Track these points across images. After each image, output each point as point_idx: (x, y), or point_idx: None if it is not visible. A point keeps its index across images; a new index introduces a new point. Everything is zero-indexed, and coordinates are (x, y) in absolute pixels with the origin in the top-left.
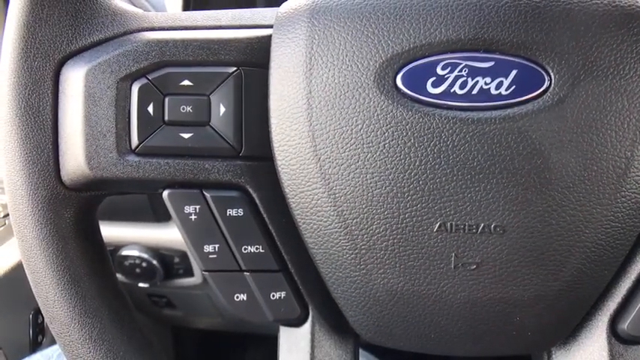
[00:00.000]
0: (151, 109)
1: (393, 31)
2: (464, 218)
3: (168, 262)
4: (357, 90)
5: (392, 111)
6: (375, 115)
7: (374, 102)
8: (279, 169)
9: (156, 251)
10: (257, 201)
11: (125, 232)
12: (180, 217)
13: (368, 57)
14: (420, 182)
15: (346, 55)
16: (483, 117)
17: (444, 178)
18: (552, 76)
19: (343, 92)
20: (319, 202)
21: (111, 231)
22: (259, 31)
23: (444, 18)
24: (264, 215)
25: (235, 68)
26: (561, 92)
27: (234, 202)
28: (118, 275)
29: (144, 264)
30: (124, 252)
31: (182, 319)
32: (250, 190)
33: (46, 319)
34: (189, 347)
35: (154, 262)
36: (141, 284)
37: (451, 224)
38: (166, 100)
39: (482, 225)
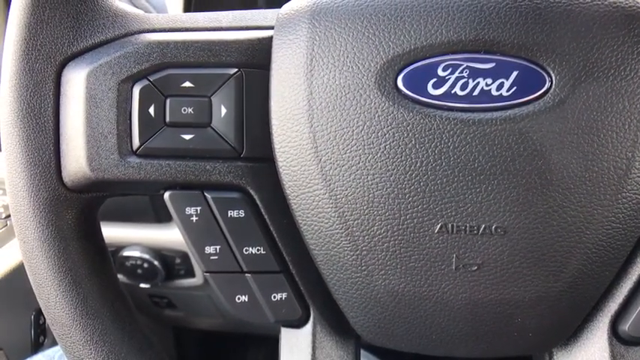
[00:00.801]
0: (152, 110)
1: (393, 32)
2: (465, 219)
3: (170, 263)
4: (358, 91)
5: (393, 112)
6: (376, 116)
7: (375, 103)
8: (280, 170)
9: (157, 252)
10: (258, 202)
11: (126, 233)
12: (181, 219)
13: (369, 58)
14: (421, 183)
15: (347, 57)
16: (484, 118)
17: (445, 180)
18: (553, 77)
19: (344, 93)
20: (320, 203)
21: (112, 232)
22: (260, 32)
23: (444, 19)
24: (265, 216)
25: (236, 69)
26: (562, 93)
27: (235, 204)
28: (119, 276)
29: (145, 265)
30: (126, 253)
31: (183, 320)
32: (251, 191)
33: (47, 321)
34: (191, 348)
35: (156, 262)
36: (142, 285)
37: (452, 225)
38: (167, 101)
39: (483, 226)
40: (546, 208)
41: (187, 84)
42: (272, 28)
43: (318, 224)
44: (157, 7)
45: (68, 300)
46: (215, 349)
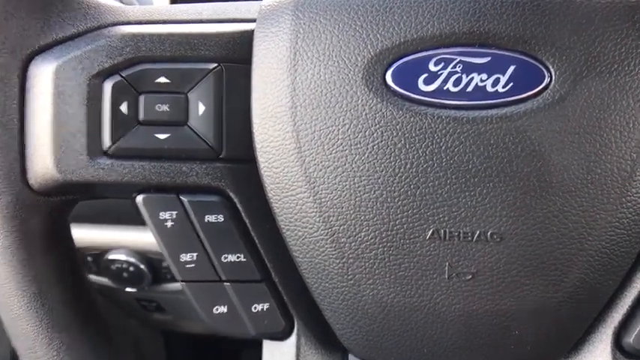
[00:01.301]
0: (124, 108)
1: (382, 24)
2: (458, 225)
3: (157, 267)
4: (344, 87)
5: (381, 110)
6: (364, 114)
7: (362, 100)
8: (262, 171)
9: (143, 255)
10: (238, 206)
11: (112, 235)
12: (154, 224)
13: (356, 52)
14: (412, 186)
15: (332, 50)
16: (479, 116)
17: (436, 182)
18: (552, 73)
19: (329, 90)
20: (304, 207)
21: (97, 234)
22: (242, 25)
23: (436, 10)
24: (246, 221)
25: (216, 64)
26: (562, 90)
27: (213, 207)
28: (104, 279)
29: (131, 268)
30: (111, 256)
31: (173, 324)
32: (231, 194)
33: (9, 335)
34: (181, 351)
35: (142, 266)
36: (128, 289)
37: (445, 231)
38: (141, 98)
39: (478, 232)
40: (545, 212)
41: (163, 79)
42: (254, 20)
43: (301, 230)
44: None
45: (33, 312)
46: (205, 352)
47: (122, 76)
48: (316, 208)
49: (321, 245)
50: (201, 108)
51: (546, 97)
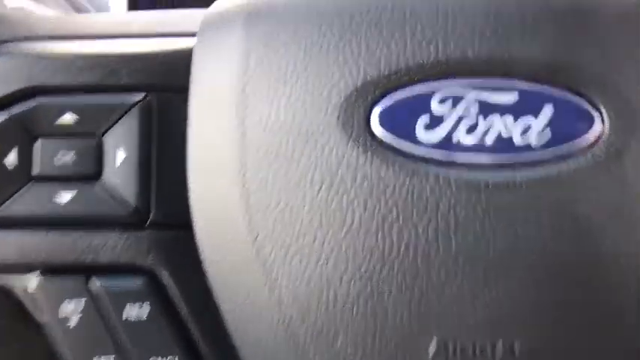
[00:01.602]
0: (12, 158)
1: (366, 45)
2: (473, 334)
3: None
4: (313, 135)
5: (363, 168)
6: (339, 173)
7: (337, 154)
8: (199, 242)
9: None
10: (172, 290)
11: None
12: (54, 320)
13: (329, 84)
14: (407, 279)
15: (297, 81)
16: (503, 181)
17: (443, 273)
18: (605, 116)
19: (292, 136)
20: (258, 300)
21: None
22: (179, 41)
23: (441, 27)
24: (181, 311)
25: (142, 95)
26: (619, 142)
27: (136, 295)
28: None
29: None
30: None
31: None
32: (163, 272)
33: None
34: None
35: None
36: None
37: (454, 343)
38: (37, 144)
39: (500, 343)
40: (598, 315)
41: (68, 118)
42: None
43: (254, 331)
44: (100, 6)
45: None
46: None
47: (10, 114)
48: (273, 302)
49: (283, 356)
50: (121, 155)
51: (597, 153)
